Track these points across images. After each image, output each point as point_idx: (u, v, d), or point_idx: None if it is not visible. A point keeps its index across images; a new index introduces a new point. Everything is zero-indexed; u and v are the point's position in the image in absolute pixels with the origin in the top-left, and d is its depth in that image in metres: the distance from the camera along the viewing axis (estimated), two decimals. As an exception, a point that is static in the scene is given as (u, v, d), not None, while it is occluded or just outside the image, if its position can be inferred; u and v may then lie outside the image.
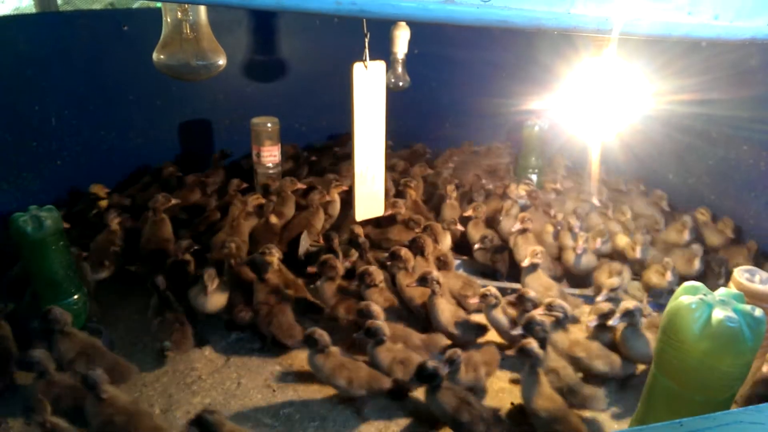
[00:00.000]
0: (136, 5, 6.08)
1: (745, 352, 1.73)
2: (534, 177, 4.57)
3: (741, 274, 2.38)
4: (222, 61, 1.59)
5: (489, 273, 3.61)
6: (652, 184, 4.42)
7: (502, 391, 2.71)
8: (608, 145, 4.04)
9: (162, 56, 1.55)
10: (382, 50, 3.87)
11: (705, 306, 1.77)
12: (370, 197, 2.70)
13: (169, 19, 1.54)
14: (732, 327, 1.70)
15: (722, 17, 1.13)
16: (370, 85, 2.45)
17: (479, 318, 2.95)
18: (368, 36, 2.28)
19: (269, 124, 4.22)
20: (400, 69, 3.96)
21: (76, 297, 2.81)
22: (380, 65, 2.41)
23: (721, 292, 1.87)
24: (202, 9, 1.53)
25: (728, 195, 3.92)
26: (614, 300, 2.96)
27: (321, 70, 4.76)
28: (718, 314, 1.73)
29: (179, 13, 1.50)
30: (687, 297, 1.82)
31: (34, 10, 4.52)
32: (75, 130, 4.12)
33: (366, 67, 2.35)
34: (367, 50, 2.30)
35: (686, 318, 1.77)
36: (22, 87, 3.74)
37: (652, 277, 3.29)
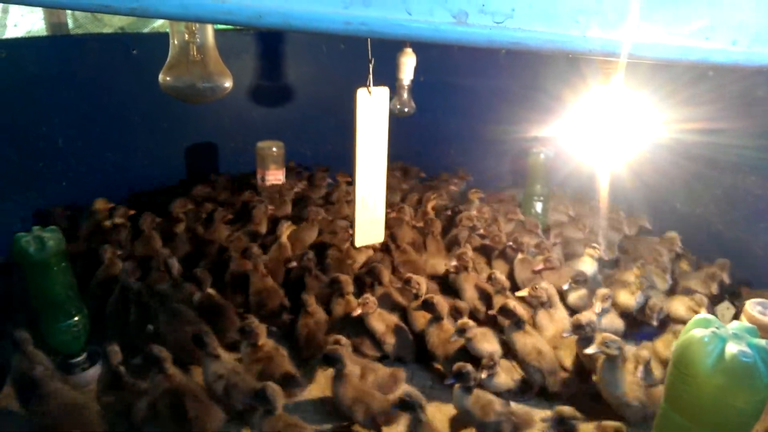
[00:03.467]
0: (146, 30, 6.14)
1: (761, 389, 1.68)
2: (539, 205, 4.54)
3: (753, 307, 2.33)
4: (228, 84, 1.57)
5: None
6: (660, 213, 4.39)
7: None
8: (616, 174, 4.01)
9: (168, 78, 1.54)
10: (388, 76, 3.90)
11: (718, 339, 1.72)
12: (370, 223, 2.65)
13: (176, 41, 1.53)
14: (746, 362, 1.65)
15: (740, 43, 1.11)
16: (373, 111, 2.41)
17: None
18: (372, 61, 2.26)
19: (274, 148, 4.24)
20: (405, 95, 3.98)
21: (76, 319, 2.76)
22: (384, 91, 2.38)
23: (734, 325, 1.82)
24: (210, 31, 1.53)
25: (736, 225, 3.88)
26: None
27: (327, 96, 4.78)
28: (732, 348, 1.68)
29: (186, 35, 1.50)
30: (699, 330, 1.77)
31: (45, 34, 4.57)
32: (81, 151, 4.12)
33: (369, 92, 2.33)
34: (371, 76, 2.28)
35: (698, 352, 1.72)
36: (30, 108, 3.75)
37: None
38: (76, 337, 2.77)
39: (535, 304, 3.01)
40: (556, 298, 3.09)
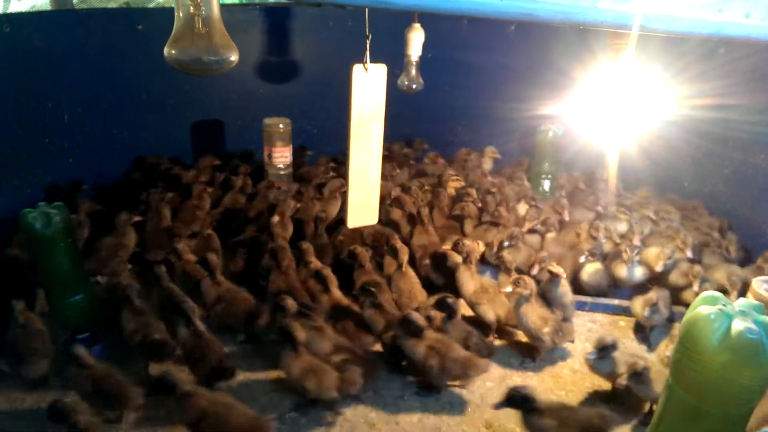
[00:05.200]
0: (152, 5, 6.09)
1: (766, 365, 1.67)
2: (547, 183, 4.52)
3: (760, 284, 2.33)
4: (234, 57, 1.55)
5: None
6: (669, 192, 4.36)
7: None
8: (625, 151, 3.97)
9: (173, 51, 1.52)
10: (396, 53, 3.86)
11: (724, 317, 1.71)
12: (364, 204, 2.60)
13: (181, 14, 1.51)
14: (752, 339, 1.65)
15: (753, 15, 1.09)
16: (369, 88, 2.36)
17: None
18: (370, 37, 2.22)
19: (281, 125, 4.22)
20: (413, 71, 3.93)
21: (83, 294, 2.79)
22: (381, 68, 2.34)
23: (741, 302, 1.81)
24: (215, 3, 1.51)
25: (745, 203, 3.86)
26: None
27: (334, 72, 4.69)
28: (738, 325, 1.67)
29: (191, 8, 1.48)
30: (706, 307, 1.76)
31: (49, 8, 4.54)
32: (87, 128, 4.13)
33: (366, 69, 2.28)
34: (367, 52, 2.24)
35: (705, 329, 1.71)
36: (35, 84, 3.74)
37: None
38: (84, 313, 2.80)
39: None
40: (475, 256, 3.23)
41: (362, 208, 2.64)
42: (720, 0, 1.08)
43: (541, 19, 1.06)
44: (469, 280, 3.11)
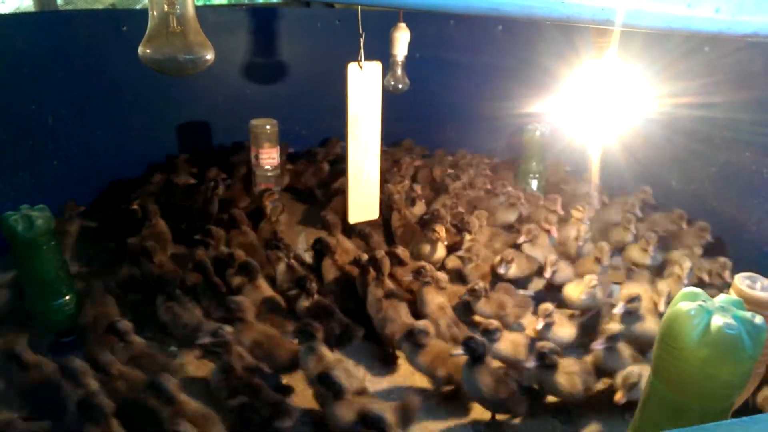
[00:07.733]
0: (138, 6, 6.05)
1: (745, 360, 1.68)
2: (534, 182, 4.53)
3: (741, 280, 2.33)
4: (210, 56, 1.54)
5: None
6: (654, 190, 4.37)
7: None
8: (609, 149, 3.99)
9: (148, 50, 1.51)
10: (382, 52, 3.85)
11: (704, 312, 1.71)
12: (364, 200, 2.66)
13: (155, 13, 1.50)
14: (731, 334, 1.65)
15: (723, 11, 1.09)
16: (365, 86, 2.43)
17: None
18: (363, 36, 2.27)
19: (268, 126, 4.20)
20: (399, 71, 3.92)
21: (67, 298, 2.77)
22: (376, 66, 2.39)
23: (721, 298, 1.82)
24: (190, 2, 1.50)
25: (730, 201, 3.87)
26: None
27: (321, 73, 4.72)
28: (718, 321, 1.68)
29: (166, 6, 1.47)
30: (686, 303, 1.77)
31: (33, 10, 4.51)
32: (72, 130, 4.10)
33: (361, 67, 2.33)
34: (362, 50, 2.29)
35: (685, 325, 1.72)
36: (19, 86, 3.72)
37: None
38: (68, 316, 2.79)
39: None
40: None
41: (362, 204, 2.69)
42: (690, -6, 1.09)
43: (508, 13, 1.05)
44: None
